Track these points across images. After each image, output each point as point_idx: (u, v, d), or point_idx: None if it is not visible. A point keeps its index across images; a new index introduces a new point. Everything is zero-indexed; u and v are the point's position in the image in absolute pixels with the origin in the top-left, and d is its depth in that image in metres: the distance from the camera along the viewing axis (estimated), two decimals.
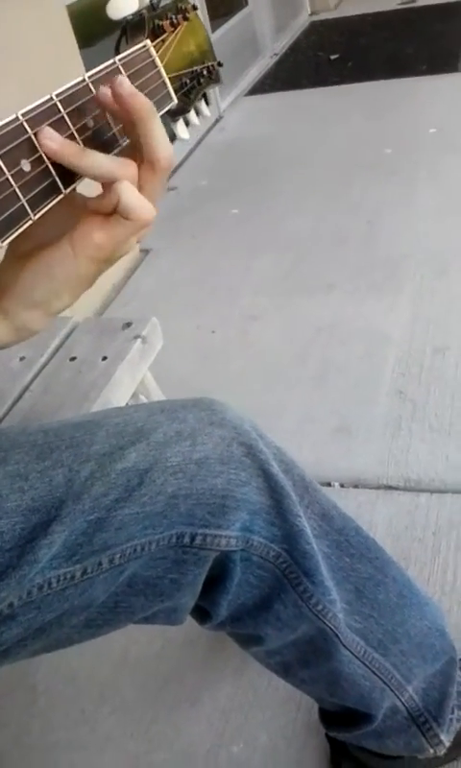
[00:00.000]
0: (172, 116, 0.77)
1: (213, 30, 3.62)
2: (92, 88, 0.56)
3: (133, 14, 0.69)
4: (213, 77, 0.82)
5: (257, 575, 0.72)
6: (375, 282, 2.07)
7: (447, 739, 0.89)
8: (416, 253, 2.16)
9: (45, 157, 0.51)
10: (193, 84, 0.77)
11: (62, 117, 0.53)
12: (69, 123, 0.54)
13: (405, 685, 0.84)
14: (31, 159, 0.50)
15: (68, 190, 0.53)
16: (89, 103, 0.56)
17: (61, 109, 0.53)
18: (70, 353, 1.18)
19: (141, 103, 0.54)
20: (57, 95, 0.53)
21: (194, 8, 0.77)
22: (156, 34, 0.70)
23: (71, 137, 0.54)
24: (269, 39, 4.49)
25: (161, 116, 0.64)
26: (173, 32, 0.73)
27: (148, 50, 0.67)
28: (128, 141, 0.59)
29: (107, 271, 0.59)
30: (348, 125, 3.19)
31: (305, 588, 0.73)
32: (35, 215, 0.50)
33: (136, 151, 0.57)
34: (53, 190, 0.52)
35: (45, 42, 2.01)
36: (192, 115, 0.79)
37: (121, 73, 0.60)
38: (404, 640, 0.82)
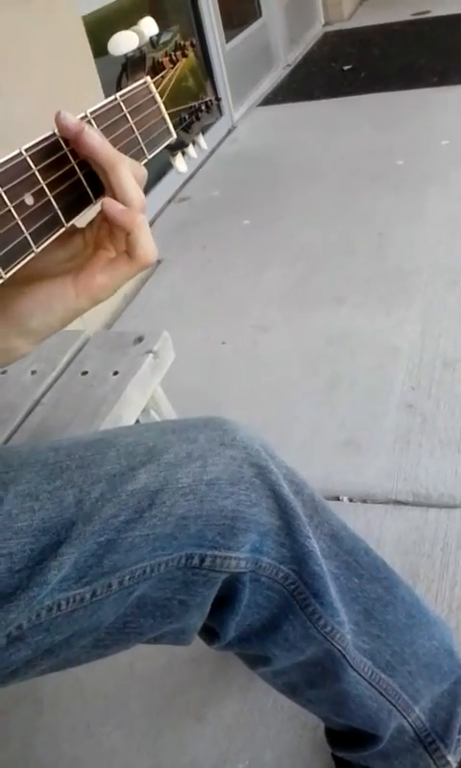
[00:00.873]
0: (171, 150, 0.79)
1: (227, 41, 3.63)
2: (94, 123, 0.59)
3: (133, 51, 0.71)
4: (211, 111, 0.84)
5: (266, 596, 0.71)
6: (385, 295, 2.07)
7: (454, 760, 0.89)
8: (427, 266, 2.15)
9: (47, 190, 0.53)
10: (192, 120, 0.79)
11: (65, 154, 0.56)
12: (70, 158, 0.56)
13: (413, 706, 0.84)
14: (32, 192, 0.52)
15: (70, 224, 0.55)
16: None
17: (64, 146, 0.56)
18: (82, 368, 1.18)
19: (107, 154, 0.56)
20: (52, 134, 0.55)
21: (192, 44, 0.79)
22: (155, 70, 0.72)
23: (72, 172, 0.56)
24: (282, 50, 4.50)
25: (160, 150, 0.69)
26: (172, 68, 0.74)
27: (148, 86, 0.69)
28: None
29: None
30: (360, 136, 3.19)
31: (314, 609, 0.73)
32: (37, 248, 0.52)
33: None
34: (55, 223, 0.54)
35: (61, 53, 2.02)
36: (191, 149, 0.81)
37: (122, 110, 0.63)
38: (412, 661, 0.82)
